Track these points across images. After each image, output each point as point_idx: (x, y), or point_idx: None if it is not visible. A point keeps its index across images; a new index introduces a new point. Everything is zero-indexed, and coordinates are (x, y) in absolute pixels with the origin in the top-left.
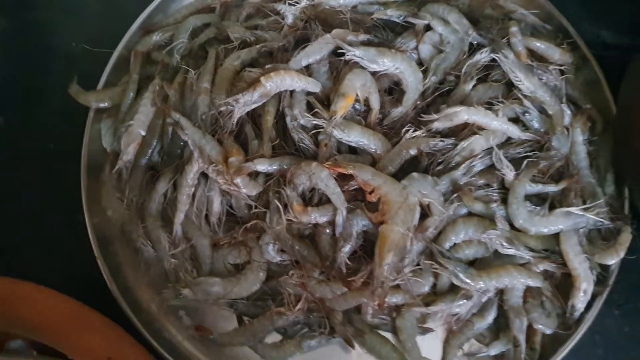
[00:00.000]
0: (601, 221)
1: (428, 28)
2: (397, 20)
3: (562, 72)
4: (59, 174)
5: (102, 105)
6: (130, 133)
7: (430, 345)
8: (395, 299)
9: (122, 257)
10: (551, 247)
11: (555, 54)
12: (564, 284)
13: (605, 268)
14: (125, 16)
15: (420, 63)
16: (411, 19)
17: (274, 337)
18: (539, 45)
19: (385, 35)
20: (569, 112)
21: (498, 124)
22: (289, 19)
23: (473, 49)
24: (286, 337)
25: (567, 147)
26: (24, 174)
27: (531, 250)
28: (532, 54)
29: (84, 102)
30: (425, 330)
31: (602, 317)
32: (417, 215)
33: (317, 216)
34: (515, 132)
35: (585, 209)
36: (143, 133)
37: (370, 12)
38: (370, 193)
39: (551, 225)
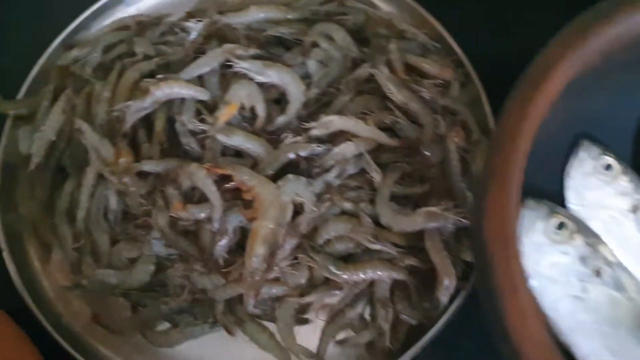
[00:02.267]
0: (461, 221)
1: (316, 44)
2: (289, 37)
3: (441, 86)
4: None
5: (19, 112)
6: (42, 137)
7: (313, 334)
8: (274, 290)
9: (31, 251)
10: (417, 244)
11: (434, 69)
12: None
13: (470, 264)
14: (54, 32)
15: (308, 76)
16: (300, 37)
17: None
18: (418, 62)
19: (278, 50)
20: (444, 122)
21: (367, 132)
22: (192, 35)
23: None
24: (174, 325)
25: (440, 154)
26: None
27: (397, 246)
28: (414, 69)
29: (2, 110)
30: (303, 320)
31: (469, 309)
32: (290, 213)
33: (195, 212)
34: (384, 139)
35: (445, 210)
36: (53, 138)
37: (265, 29)
38: (247, 192)
39: (412, 223)
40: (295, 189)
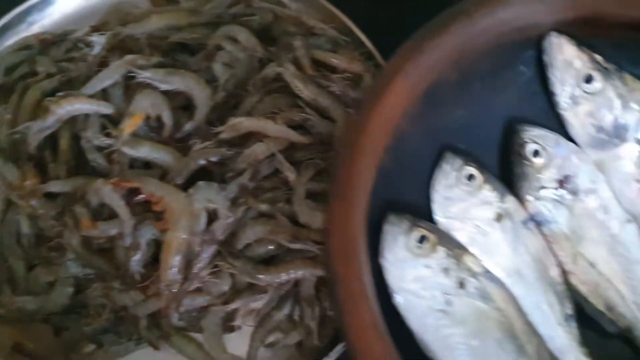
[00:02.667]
0: None
1: (221, 47)
2: (193, 43)
3: (353, 80)
4: None
5: None
6: None
7: (243, 341)
8: (198, 300)
9: None
10: None
11: (343, 63)
12: None
13: None
14: None
15: (215, 80)
16: (204, 41)
17: None
18: (326, 57)
19: (183, 57)
20: None
21: (277, 131)
22: (95, 49)
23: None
24: (99, 346)
25: None
26: None
27: (318, 243)
28: (323, 65)
29: None
30: (231, 328)
31: None
32: (203, 221)
33: (106, 229)
34: (295, 136)
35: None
36: None
37: (168, 37)
38: (157, 204)
39: None
40: (207, 195)
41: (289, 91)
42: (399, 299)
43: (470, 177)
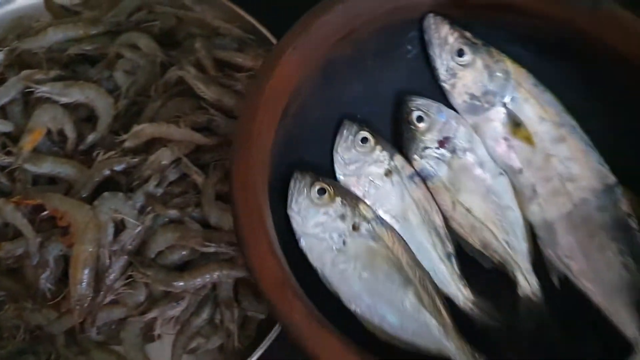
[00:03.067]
0: None
1: (121, 55)
2: (93, 53)
3: None
4: None
5: None
6: None
7: (166, 349)
8: (115, 313)
9: None
10: None
11: (247, 61)
12: None
13: None
14: None
15: (118, 88)
16: (104, 50)
17: None
18: (228, 56)
19: (84, 68)
20: None
21: (181, 135)
22: None
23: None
24: None
25: None
26: None
27: (232, 244)
28: (229, 65)
29: None
30: (152, 338)
31: None
32: (111, 232)
33: (12, 249)
34: (200, 139)
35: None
36: None
37: (67, 49)
38: (61, 219)
39: None
40: (113, 205)
41: (192, 94)
42: (302, 242)
43: (364, 140)
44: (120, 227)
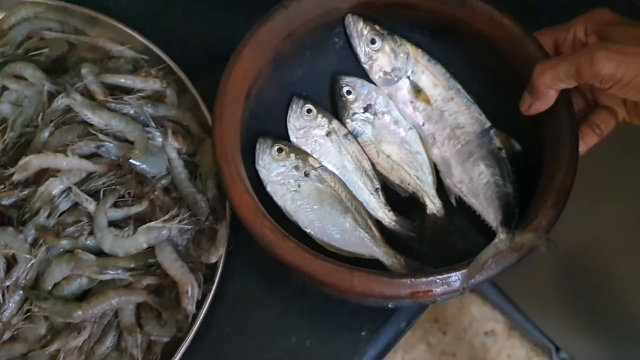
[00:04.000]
0: (186, 227)
1: (6, 87)
2: None
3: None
4: None
5: None
6: None
7: None
8: (16, 349)
9: None
10: (152, 260)
11: (138, 83)
12: None
13: (211, 267)
14: None
15: (5, 121)
16: None
17: None
18: (116, 79)
19: None
20: (158, 133)
21: (69, 163)
22: None
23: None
24: None
25: (163, 165)
26: None
27: (129, 270)
28: (120, 88)
29: None
30: None
31: (230, 308)
32: (2, 267)
33: None
34: (89, 166)
35: (166, 221)
36: None
37: None
38: None
39: (136, 244)
40: (2, 241)
41: (81, 120)
42: (268, 188)
43: (309, 111)
44: (12, 262)
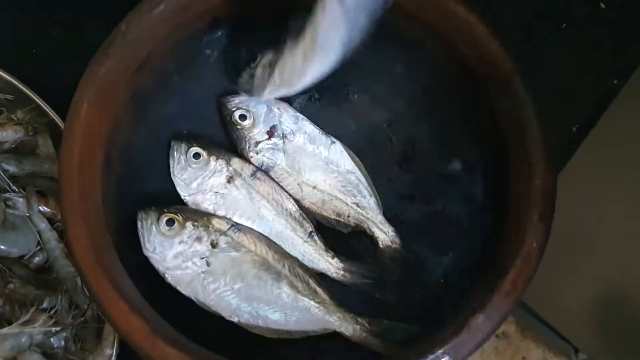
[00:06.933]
0: (50, 330)
1: None
2: None
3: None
4: None
5: None
6: None
7: None
8: None
9: None
10: None
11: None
12: None
13: None
14: None
15: None
16: None
17: None
18: None
19: None
20: (21, 200)
21: None
22: None
23: None
24: None
25: (32, 240)
26: None
27: None
28: None
29: None
30: None
31: None
32: None
33: None
34: None
35: (26, 323)
36: None
37: None
38: None
39: None
40: None
41: None
42: (168, 278)
43: (197, 155)
44: None
